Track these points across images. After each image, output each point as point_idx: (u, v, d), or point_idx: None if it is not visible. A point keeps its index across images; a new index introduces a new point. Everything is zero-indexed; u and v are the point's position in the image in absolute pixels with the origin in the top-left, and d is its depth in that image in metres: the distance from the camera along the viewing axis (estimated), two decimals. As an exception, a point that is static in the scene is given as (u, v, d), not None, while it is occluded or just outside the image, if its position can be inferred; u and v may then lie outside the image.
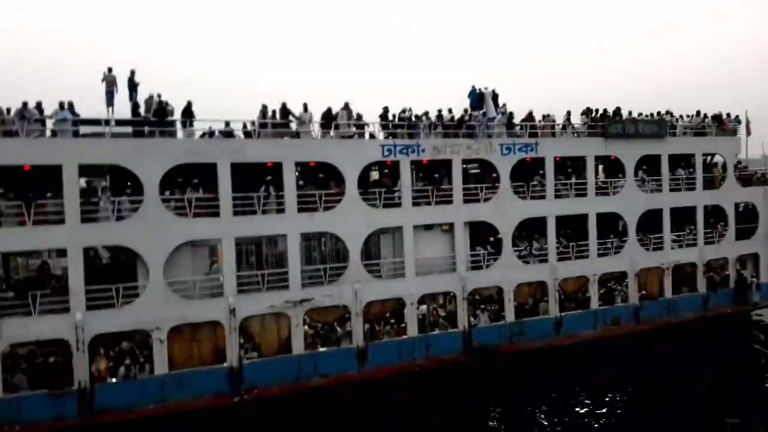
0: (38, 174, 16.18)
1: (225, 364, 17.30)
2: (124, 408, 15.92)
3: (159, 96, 18.32)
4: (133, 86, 18.97)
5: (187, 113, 17.73)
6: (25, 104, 15.86)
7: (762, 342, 26.50)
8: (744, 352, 25.04)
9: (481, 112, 22.68)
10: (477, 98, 23.36)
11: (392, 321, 19.93)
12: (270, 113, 18.92)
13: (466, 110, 22.31)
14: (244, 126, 18.67)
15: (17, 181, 16.35)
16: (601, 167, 25.41)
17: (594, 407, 20.04)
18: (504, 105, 23.05)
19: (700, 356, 23.24)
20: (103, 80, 18.60)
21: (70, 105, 16.70)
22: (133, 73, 18.85)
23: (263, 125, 18.77)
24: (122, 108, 18.40)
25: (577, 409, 19.98)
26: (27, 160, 15.74)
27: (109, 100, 18.51)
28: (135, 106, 18.04)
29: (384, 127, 20.31)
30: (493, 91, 23.67)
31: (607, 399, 20.61)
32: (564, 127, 23.53)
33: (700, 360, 23.07)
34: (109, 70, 18.75)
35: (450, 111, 21.99)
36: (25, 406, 15.16)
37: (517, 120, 22.58)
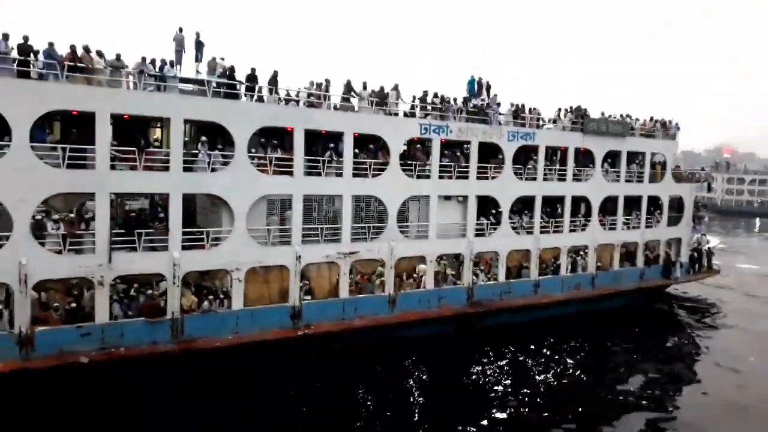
0: (140, 124, 17.79)
1: (288, 303, 20.01)
2: (207, 337, 18.30)
3: (222, 59, 20.16)
4: (199, 46, 20.60)
5: (273, 81, 19.75)
6: (143, 59, 17.29)
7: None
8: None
9: (480, 98, 26.33)
10: (475, 86, 26.99)
11: (414, 275, 23.38)
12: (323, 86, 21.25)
13: (465, 98, 25.66)
14: (309, 96, 20.95)
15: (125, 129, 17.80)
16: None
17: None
18: (495, 95, 26.75)
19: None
20: (174, 39, 20.10)
21: (171, 63, 18.26)
22: (198, 34, 20.47)
23: (326, 98, 21.17)
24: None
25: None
26: (142, 112, 17.32)
27: (178, 59, 20.00)
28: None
29: (423, 108, 23.32)
30: (487, 82, 27.36)
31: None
32: (554, 121, 27.74)
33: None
34: (180, 30, 20.26)
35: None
36: (127, 332, 17.14)
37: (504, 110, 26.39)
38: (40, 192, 15.86)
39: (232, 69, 19.49)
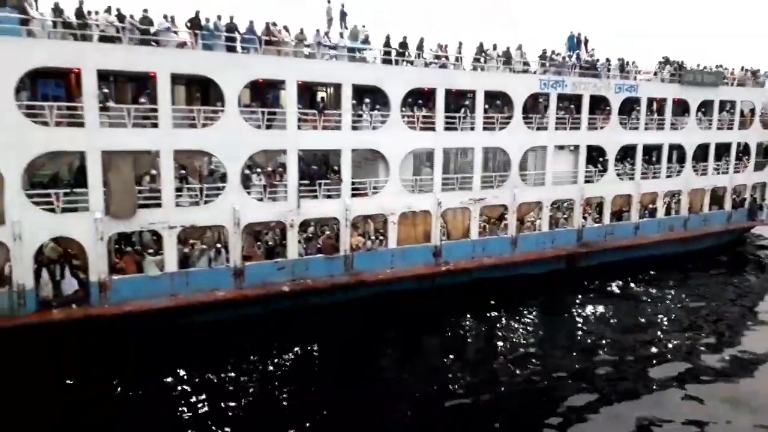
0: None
1: (431, 243, 22.97)
2: (370, 270, 21.46)
3: (364, 26, 22.52)
4: (343, 16, 23.01)
5: (420, 47, 22.18)
6: (318, 31, 19.97)
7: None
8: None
9: (576, 53, 28.11)
10: (575, 43, 28.73)
11: (531, 219, 26.02)
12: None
13: (560, 54, 27.39)
14: (446, 59, 23.31)
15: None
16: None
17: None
18: (593, 49, 28.51)
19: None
20: (326, 11, 22.59)
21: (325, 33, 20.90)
22: (343, 5, 22.85)
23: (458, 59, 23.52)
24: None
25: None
26: (322, 79, 20.25)
27: (329, 27, 22.51)
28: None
29: (542, 65, 25.43)
30: (585, 38, 29.05)
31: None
32: (655, 74, 29.44)
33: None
34: (328, 1, 22.68)
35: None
36: (311, 266, 20.41)
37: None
38: (247, 149, 18.92)
39: (367, 36, 21.96)
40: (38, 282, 16.42)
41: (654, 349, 19.35)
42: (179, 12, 18.11)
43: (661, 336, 20.47)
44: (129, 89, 18.72)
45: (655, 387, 16.72)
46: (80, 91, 16.46)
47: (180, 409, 14.56)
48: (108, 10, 16.80)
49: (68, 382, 15.22)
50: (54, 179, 17.22)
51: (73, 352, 15.52)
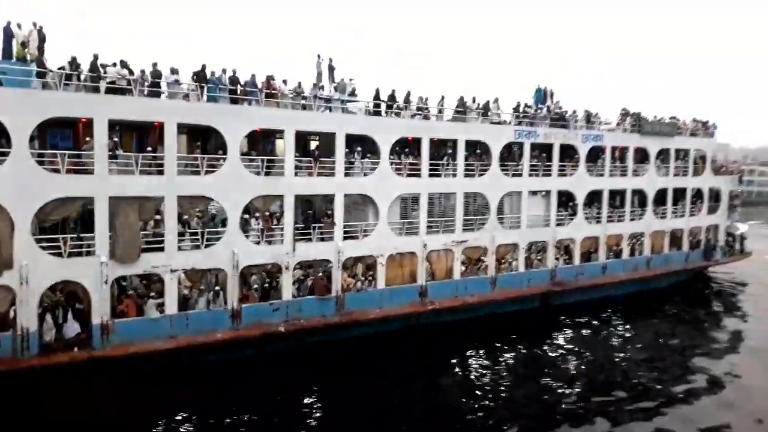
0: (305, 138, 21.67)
1: (417, 283, 23.99)
2: (361, 309, 22.26)
3: (351, 80, 23.93)
4: (331, 70, 24.34)
5: (406, 100, 23.61)
6: (314, 85, 21.12)
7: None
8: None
9: (546, 105, 30.19)
10: (542, 96, 30.87)
11: (508, 260, 27.35)
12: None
13: (527, 105, 29.28)
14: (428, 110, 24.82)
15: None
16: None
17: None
18: (557, 102, 30.66)
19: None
20: (316, 65, 23.86)
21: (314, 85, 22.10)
22: (331, 60, 24.19)
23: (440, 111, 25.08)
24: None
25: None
26: (318, 128, 21.35)
27: (319, 79, 23.77)
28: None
29: (516, 117, 27.24)
30: (551, 90, 31.24)
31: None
32: (618, 124, 31.72)
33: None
34: (318, 56, 23.97)
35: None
36: (305, 306, 21.10)
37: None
38: (247, 195, 19.75)
39: (354, 89, 23.34)
40: (41, 325, 16.66)
41: (624, 383, 20.41)
42: (182, 65, 19.07)
43: (630, 369, 21.63)
44: (133, 138, 19.39)
45: (622, 418, 17.72)
46: (86, 140, 17.14)
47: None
48: (123, 64, 17.60)
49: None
50: (62, 225, 17.60)
51: (78, 395, 15.73)
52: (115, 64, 17.99)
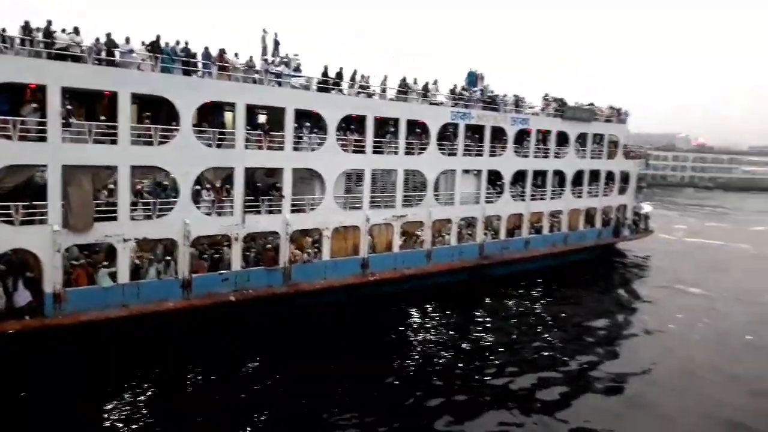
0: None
1: (359, 256, 25.14)
2: (307, 280, 23.18)
3: (296, 56, 24.43)
4: (276, 45, 24.71)
5: (353, 78, 24.40)
6: (265, 60, 21.48)
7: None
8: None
9: (479, 88, 32.00)
10: (474, 79, 32.63)
11: (443, 234, 29.03)
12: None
13: (463, 87, 31.04)
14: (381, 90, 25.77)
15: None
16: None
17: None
18: (487, 85, 32.56)
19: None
20: (261, 39, 24.11)
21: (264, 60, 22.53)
22: (276, 34, 24.60)
23: (384, 90, 26.10)
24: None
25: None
26: (269, 102, 21.79)
27: (264, 53, 24.08)
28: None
29: (453, 98, 28.71)
30: (481, 74, 33.06)
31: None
32: (542, 109, 33.99)
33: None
34: (264, 31, 24.23)
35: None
36: (252, 277, 21.76)
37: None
38: (199, 166, 20.04)
39: (299, 65, 23.89)
40: (-8, 293, 16.47)
41: (544, 347, 22.54)
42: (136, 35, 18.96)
43: (549, 336, 23.77)
44: (83, 108, 19.12)
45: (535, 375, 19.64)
46: (26, 106, 16.87)
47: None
48: (76, 31, 17.33)
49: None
50: (14, 192, 17.26)
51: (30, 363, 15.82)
52: (64, 30, 17.67)
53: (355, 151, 24.56)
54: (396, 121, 26.01)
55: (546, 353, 21.40)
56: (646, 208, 42.60)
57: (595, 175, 37.55)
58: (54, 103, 16.71)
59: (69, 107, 17.35)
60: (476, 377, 19.06)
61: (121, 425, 14.44)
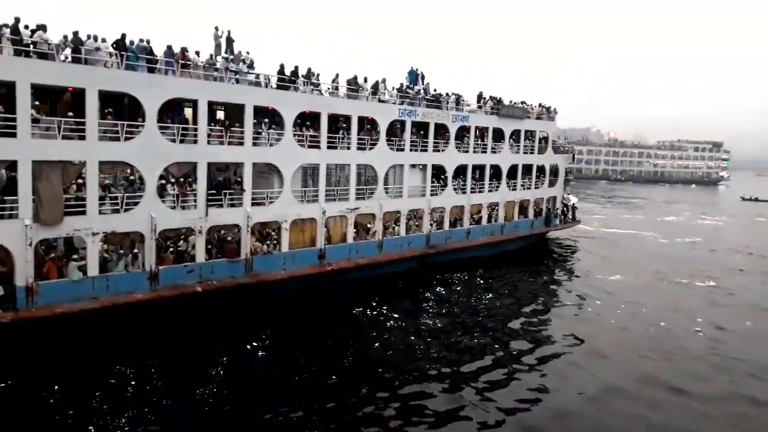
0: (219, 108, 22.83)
1: (316, 247, 26.28)
2: (268, 271, 24.12)
3: (248, 53, 25.36)
4: (230, 42, 25.52)
5: (308, 76, 25.48)
6: (225, 59, 22.22)
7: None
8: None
9: (421, 87, 33.85)
10: (415, 77, 34.46)
11: (393, 225, 30.59)
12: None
13: (407, 86, 32.79)
14: (335, 88, 26.94)
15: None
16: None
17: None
18: (428, 83, 34.50)
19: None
20: (213, 37, 24.83)
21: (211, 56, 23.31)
22: (229, 32, 25.39)
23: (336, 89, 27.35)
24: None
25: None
26: (229, 99, 22.53)
27: (217, 53, 24.82)
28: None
29: (401, 97, 30.29)
30: (422, 72, 34.96)
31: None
32: (479, 107, 36.19)
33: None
34: (216, 28, 24.95)
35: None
36: (216, 269, 22.52)
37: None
38: (164, 161, 20.62)
39: (252, 62, 24.76)
40: (-39, 288, 16.58)
41: (484, 329, 24.39)
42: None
43: (488, 320, 25.62)
44: (47, 104, 19.33)
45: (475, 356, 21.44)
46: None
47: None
48: (43, 28, 17.58)
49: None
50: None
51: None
52: (27, 26, 17.88)
53: (310, 146, 25.67)
54: (348, 117, 27.31)
55: (484, 337, 23.07)
56: (573, 199, 45.86)
57: (528, 168, 40.22)
58: (24, 99, 16.96)
59: (37, 103, 17.60)
60: (425, 359, 20.45)
61: (92, 416, 14.88)
